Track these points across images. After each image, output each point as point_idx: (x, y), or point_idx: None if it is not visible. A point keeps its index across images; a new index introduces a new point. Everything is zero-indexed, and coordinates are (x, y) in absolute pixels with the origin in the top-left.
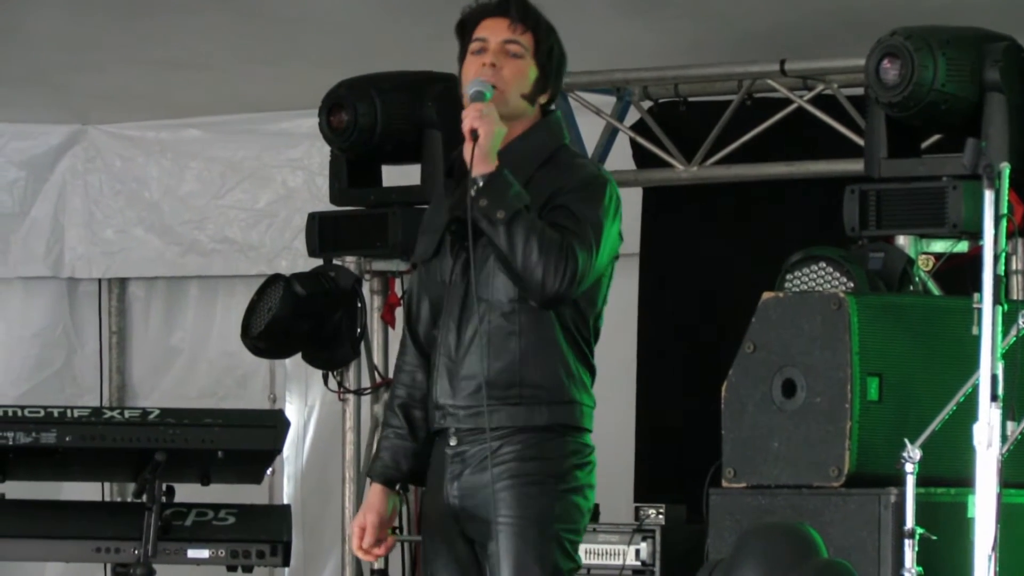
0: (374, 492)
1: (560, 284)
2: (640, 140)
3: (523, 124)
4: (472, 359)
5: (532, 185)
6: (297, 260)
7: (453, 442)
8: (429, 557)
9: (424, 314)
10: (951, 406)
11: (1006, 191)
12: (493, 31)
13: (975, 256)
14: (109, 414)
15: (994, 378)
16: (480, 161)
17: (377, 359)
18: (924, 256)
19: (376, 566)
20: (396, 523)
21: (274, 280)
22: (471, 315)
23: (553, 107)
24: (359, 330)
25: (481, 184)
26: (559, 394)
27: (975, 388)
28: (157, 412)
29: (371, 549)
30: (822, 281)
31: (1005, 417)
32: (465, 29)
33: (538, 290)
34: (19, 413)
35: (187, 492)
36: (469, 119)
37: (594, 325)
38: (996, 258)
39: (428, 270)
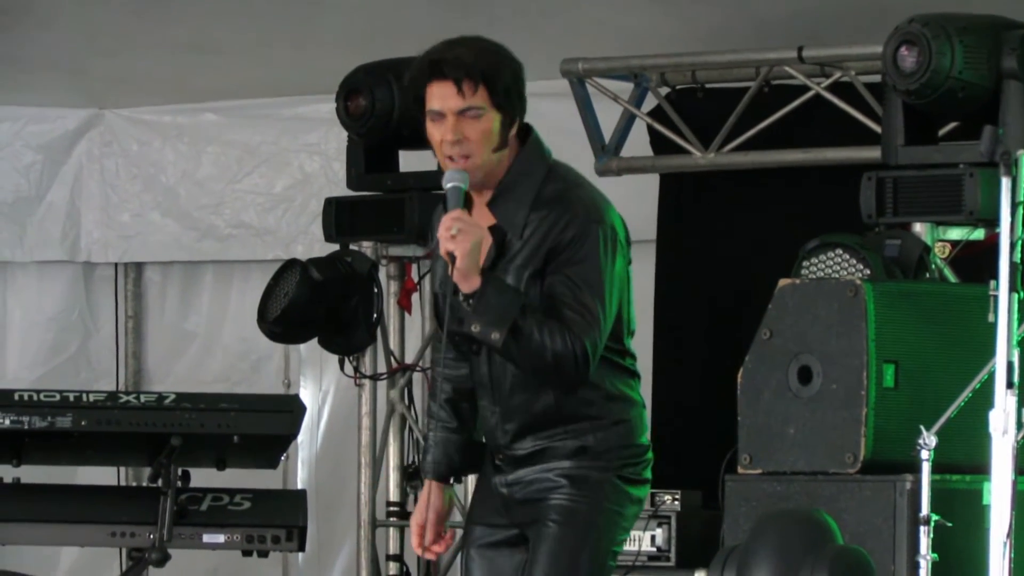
0: (429, 488)
1: (573, 375)
2: (657, 126)
3: (505, 161)
4: (510, 404)
5: (528, 230)
6: (314, 245)
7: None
8: (469, 541)
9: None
10: (967, 393)
11: (1023, 178)
12: (444, 101)
13: (992, 243)
14: (125, 398)
15: (1010, 365)
16: (463, 282)
17: (393, 344)
18: (940, 243)
19: (391, 551)
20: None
21: (290, 265)
22: (500, 362)
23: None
24: (375, 315)
25: (471, 304)
26: (603, 421)
27: (991, 375)
28: (173, 397)
29: (431, 546)
30: (838, 268)
31: (1021, 404)
32: (416, 87)
33: (554, 384)
34: (35, 397)
35: (202, 477)
36: (443, 242)
37: (628, 330)
38: (1012, 245)
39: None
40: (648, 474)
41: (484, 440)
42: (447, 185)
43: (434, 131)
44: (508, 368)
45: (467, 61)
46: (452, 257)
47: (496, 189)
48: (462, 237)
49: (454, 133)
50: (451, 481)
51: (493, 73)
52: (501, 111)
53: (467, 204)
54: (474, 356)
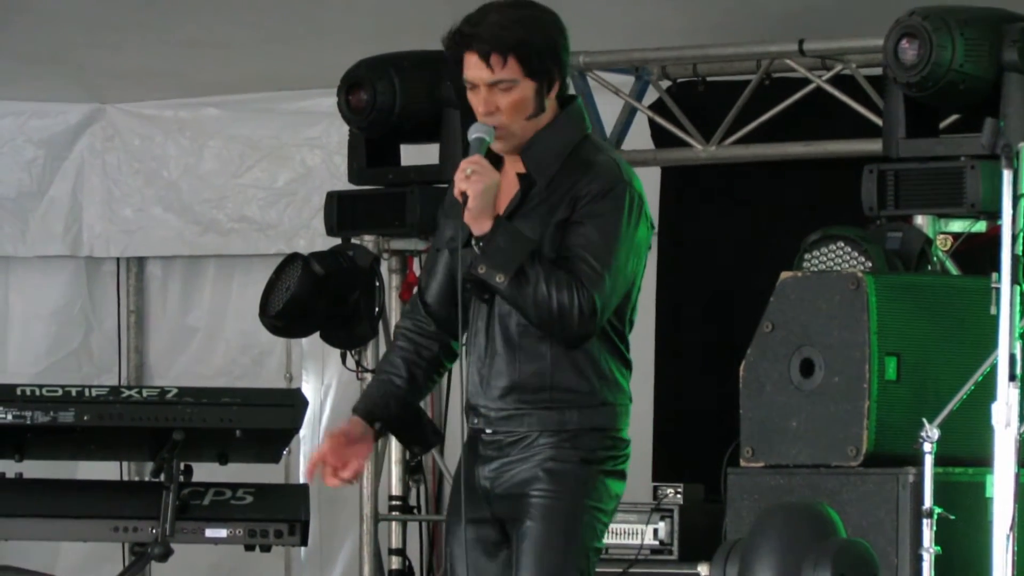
0: (351, 420)
1: (578, 327)
2: (659, 120)
3: (544, 118)
4: (501, 362)
5: (556, 183)
6: (315, 239)
7: (489, 430)
8: (451, 538)
9: (435, 288)
10: (969, 386)
11: None
12: (476, 72)
13: (993, 236)
14: (127, 393)
15: (1012, 358)
16: (473, 222)
17: None
18: (942, 236)
19: (394, 545)
20: (366, 458)
21: (292, 259)
22: (498, 317)
23: (572, 92)
24: (377, 309)
25: (480, 246)
26: (591, 398)
27: (993, 368)
28: (175, 391)
29: (338, 472)
30: (840, 260)
31: (1023, 396)
32: (452, 54)
33: (559, 336)
34: (37, 392)
35: (205, 471)
36: (457, 183)
37: (629, 318)
38: (1014, 238)
39: (453, 257)
40: (627, 468)
41: (466, 404)
42: (472, 136)
43: (471, 98)
44: (514, 316)
45: (494, 34)
46: (465, 197)
47: (531, 139)
48: (476, 178)
49: (486, 105)
50: (375, 427)
51: (523, 43)
52: (535, 79)
53: (490, 160)
54: (483, 305)
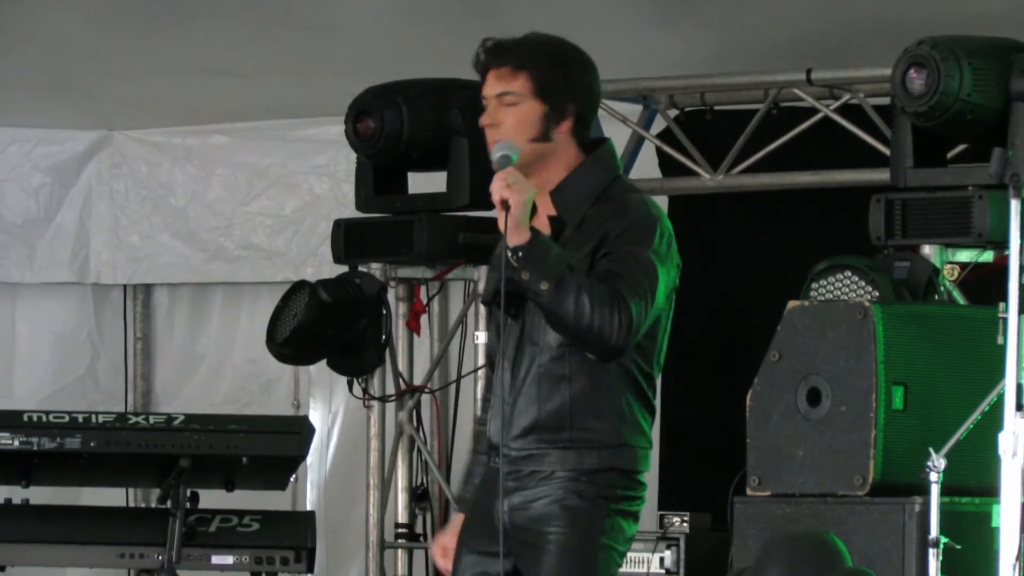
0: (454, 519)
1: (616, 338)
2: (666, 149)
3: (568, 159)
4: (523, 401)
5: (586, 222)
6: (323, 267)
7: (506, 466)
8: (459, 568)
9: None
10: (976, 415)
11: None
12: (489, 85)
13: (1001, 266)
14: (134, 419)
15: (1019, 387)
16: (514, 231)
17: (402, 366)
18: (949, 265)
19: (400, 573)
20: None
21: (299, 286)
22: (524, 357)
23: (603, 136)
24: (384, 337)
25: (520, 255)
26: (611, 439)
27: (1000, 397)
28: (182, 418)
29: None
30: (847, 290)
31: None
32: (480, 77)
33: (595, 348)
34: (44, 418)
35: (211, 498)
36: (497, 189)
37: (657, 359)
38: (1021, 268)
39: (492, 312)
40: (640, 511)
41: (487, 442)
42: (497, 154)
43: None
44: (537, 357)
45: (514, 50)
46: (506, 206)
47: (561, 182)
48: (517, 187)
49: (489, 117)
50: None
51: (538, 64)
52: (544, 102)
53: None
54: (512, 322)
